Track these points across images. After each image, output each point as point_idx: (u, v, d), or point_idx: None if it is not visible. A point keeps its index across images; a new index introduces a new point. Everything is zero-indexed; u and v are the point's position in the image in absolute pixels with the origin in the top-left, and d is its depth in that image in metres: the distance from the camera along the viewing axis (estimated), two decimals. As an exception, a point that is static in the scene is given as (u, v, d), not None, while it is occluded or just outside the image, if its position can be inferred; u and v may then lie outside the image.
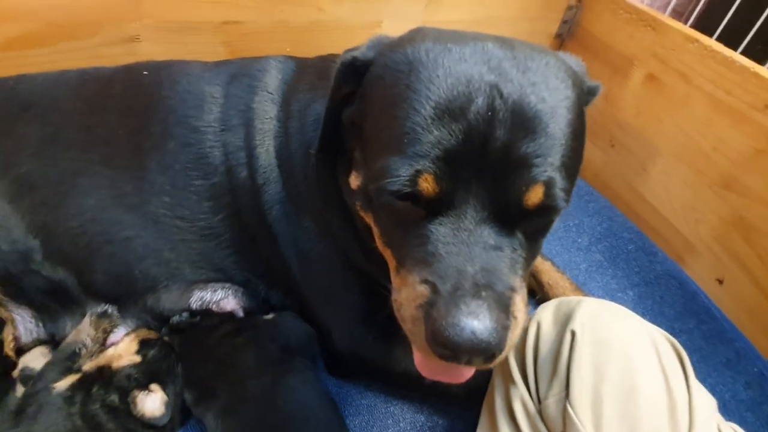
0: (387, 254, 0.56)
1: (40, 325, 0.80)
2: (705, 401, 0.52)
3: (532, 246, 0.51)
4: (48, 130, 0.78)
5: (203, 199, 0.77)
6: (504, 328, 0.43)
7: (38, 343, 0.80)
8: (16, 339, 0.77)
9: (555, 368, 0.54)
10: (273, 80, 0.80)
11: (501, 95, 0.45)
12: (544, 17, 1.27)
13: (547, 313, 0.59)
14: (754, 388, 0.88)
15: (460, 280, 0.44)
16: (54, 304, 0.80)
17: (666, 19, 1.03)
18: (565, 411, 0.51)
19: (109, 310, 0.78)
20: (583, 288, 1.06)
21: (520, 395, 0.56)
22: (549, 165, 0.46)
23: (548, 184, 0.46)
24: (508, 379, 0.59)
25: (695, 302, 0.99)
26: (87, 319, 0.76)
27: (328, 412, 0.71)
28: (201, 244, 0.79)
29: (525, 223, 0.49)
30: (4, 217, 0.76)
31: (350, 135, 0.61)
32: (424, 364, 0.56)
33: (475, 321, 0.42)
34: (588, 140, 1.38)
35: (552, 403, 0.53)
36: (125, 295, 0.80)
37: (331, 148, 0.65)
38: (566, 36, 1.31)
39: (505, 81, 0.46)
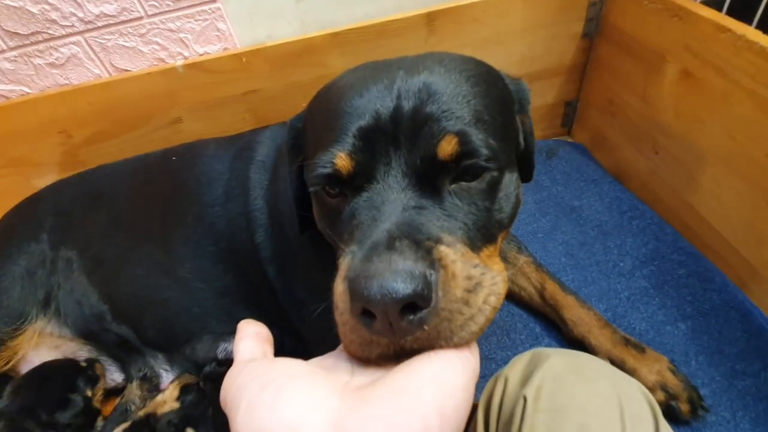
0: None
1: (120, 372, 1.01)
2: None
3: (472, 211, 0.49)
4: (112, 215, 1.00)
5: (216, 262, 0.90)
6: (420, 273, 0.38)
7: (117, 389, 1.01)
8: (104, 390, 0.98)
9: None
10: (265, 149, 0.90)
11: (403, 79, 0.50)
12: (563, 21, 1.16)
13: (516, 369, 0.54)
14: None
15: (376, 239, 0.42)
16: (124, 354, 1.00)
17: (694, 6, 0.87)
18: None
19: (148, 374, 0.95)
20: (621, 321, 0.95)
21: None
22: (457, 119, 0.47)
23: (461, 134, 0.47)
24: None
25: (761, 339, 0.82)
26: (134, 383, 0.94)
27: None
28: (220, 300, 0.92)
29: (450, 182, 0.48)
30: (85, 288, 0.98)
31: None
32: None
33: (380, 264, 0.38)
34: (631, 146, 1.23)
35: None
36: (170, 346, 0.98)
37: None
38: (594, 34, 1.18)
39: (408, 70, 0.51)
